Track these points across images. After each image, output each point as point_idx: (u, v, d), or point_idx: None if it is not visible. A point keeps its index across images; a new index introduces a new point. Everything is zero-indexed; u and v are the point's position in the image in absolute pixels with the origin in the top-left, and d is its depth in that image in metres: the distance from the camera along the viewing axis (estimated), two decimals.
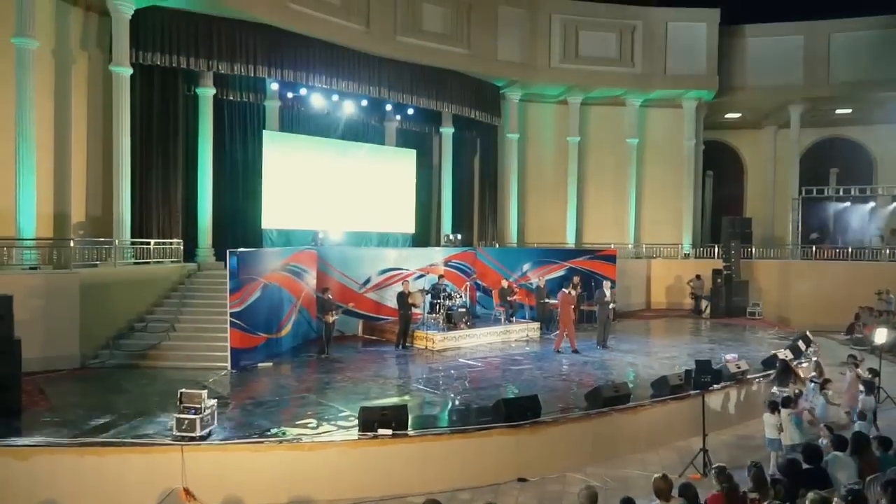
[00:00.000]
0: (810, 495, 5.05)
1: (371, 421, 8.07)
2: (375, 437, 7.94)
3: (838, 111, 25.21)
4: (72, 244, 12.65)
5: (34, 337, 10.97)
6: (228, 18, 15.71)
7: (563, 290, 14.92)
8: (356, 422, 8.28)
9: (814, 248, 22.59)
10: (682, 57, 22.74)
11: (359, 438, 7.94)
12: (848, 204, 24.45)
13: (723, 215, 23.97)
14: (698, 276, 21.81)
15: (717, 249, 23.12)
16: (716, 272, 21.39)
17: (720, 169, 28.51)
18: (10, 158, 12.80)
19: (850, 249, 22.03)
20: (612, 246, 21.41)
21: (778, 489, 5.83)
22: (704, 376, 8.78)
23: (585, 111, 24.06)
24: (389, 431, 8.00)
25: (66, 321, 11.87)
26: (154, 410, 9.02)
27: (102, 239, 13.76)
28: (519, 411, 8.72)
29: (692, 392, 10.04)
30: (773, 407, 8.75)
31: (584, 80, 22.52)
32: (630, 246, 23.70)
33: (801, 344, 14.12)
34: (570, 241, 23.35)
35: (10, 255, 12.05)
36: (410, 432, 8.15)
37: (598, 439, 9.22)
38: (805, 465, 6.22)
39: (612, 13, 22.54)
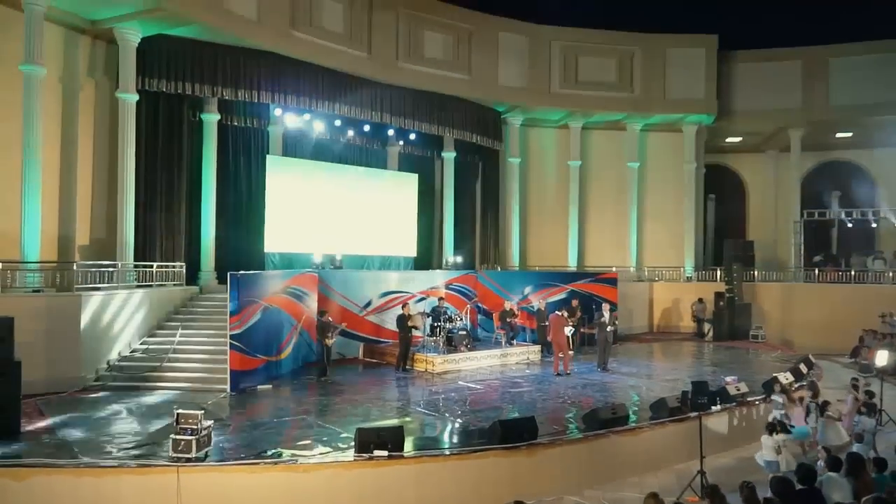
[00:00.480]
0: None
1: (367, 442, 8.08)
2: (371, 458, 7.94)
3: (839, 135, 25.32)
4: (75, 267, 12.78)
5: (36, 359, 11.06)
6: (232, 46, 16.01)
7: (556, 312, 14.88)
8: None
9: (816, 271, 22.57)
10: (681, 82, 23.01)
11: (354, 460, 7.95)
12: (850, 227, 24.55)
13: (725, 238, 24.08)
14: (700, 300, 21.81)
15: (719, 272, 23.17)
16: (718, 295, 21.37)
17: (722, 192, 28.58)
18: (17, 182, 12.99)
19: (853, 272, 22.01)
20: (614, 269, 21.45)
21: None
22: (701, 397, 8.78)
23: (587, 136, 24.27)
24: (385, 453, 8.00)
25: (69, 343, 11.96)
26: (151, 430, 9.05)
27: (105, 262, 13.87)
28: (515, 433, 8.72)
29: (691, 415, 10.04)
30: (772, 429, 8.73)
31: (584, 105, 22.77)
32: (632, 269, 23.73)
33: (802, 367, 14.09)
34: (572, 264, 23.40)
35: (13, 278, 12.16)
36: (406, 454, 8.16)
37: (596, 461, 9.19)
38: (799, 486, 6.20)
39: (611, 40, 22.86)
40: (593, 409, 9.78)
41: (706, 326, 21.56)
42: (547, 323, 17.40)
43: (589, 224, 24.41)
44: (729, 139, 26.74)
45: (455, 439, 9.29)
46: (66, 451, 8.25)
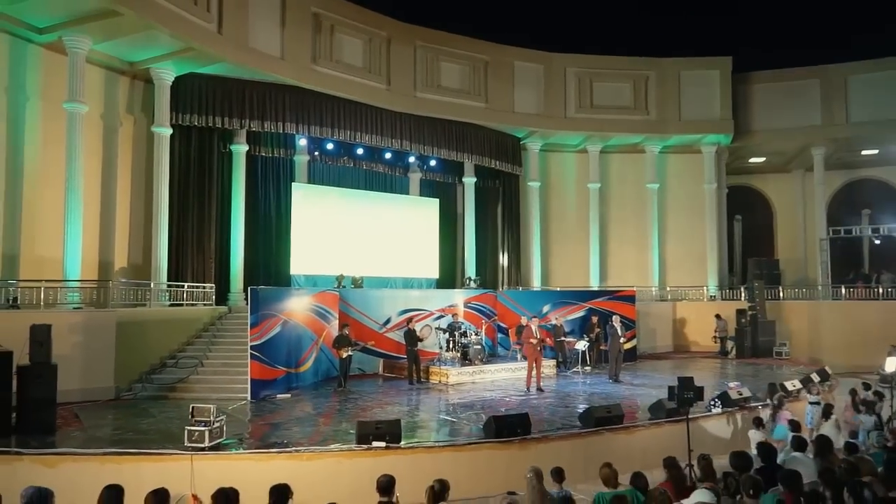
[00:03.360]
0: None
1: (366, 434, 8.66)
2: (369, 448, 8.50)
3: (864, 152, 25.28)
4: (110, 285, 13.78)
5: (73, 369, 11.96)
6: (259, 81, 17.13)
7: (529, 326, 14.59)
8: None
9: (843, 289, 22.40)
10: (697, 103, 23.41)
11: (354, 449, 8.51)
12: (878, 243, 24.32)
13: (755, 259, 24.08)
14: (718, 316, 21.80)
15: (743, 291, 23.18)
16: (739, 312, 21.37)
17: (749, 213, 28.60)
18: (61, 211, 14.13)
19: (881, 289, 21.78)
20: (634, 289, 21.65)
21: (729, 482, 6.16)
22: (687, 392, 9.08)
23: (605, 159, 24.74)
24: (383, 444, 8.56)
25: (103, 356, 12.87)
26: (173, 431, 9.78)
27: (140, 281, 14.87)
28: (509, 428, 9.17)
29: (690, 416, 10.30)
30: (759, 423, 8.99)
31: (601, 129, 23.30)
32: (654, 289, 23.88)
33: (814, 376, 14.14)
34: (594, 284, 23.67)
35: (56, 296, 13.19)
36: (403, 445, 8.68)
37: (590, 458, 9.48)
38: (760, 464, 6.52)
39: (625, 65, 23.46)
40: (588, 408, 10.16)
41: (729, 344, 21.52)
42: (564, 338, 17.87)
43: (610, 245, 24.72)
44: (752, 160, 26.87)
45: (453, 435, 9.74)
46: (93, 444, 9.03)
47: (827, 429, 9.09)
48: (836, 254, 24.54)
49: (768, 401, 10.57)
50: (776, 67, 24.10)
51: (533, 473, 6.00)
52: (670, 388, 10.08)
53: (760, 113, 24.18)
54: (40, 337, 9.95)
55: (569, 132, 23.42)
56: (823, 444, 6.91)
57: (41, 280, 13.07)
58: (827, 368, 15.63)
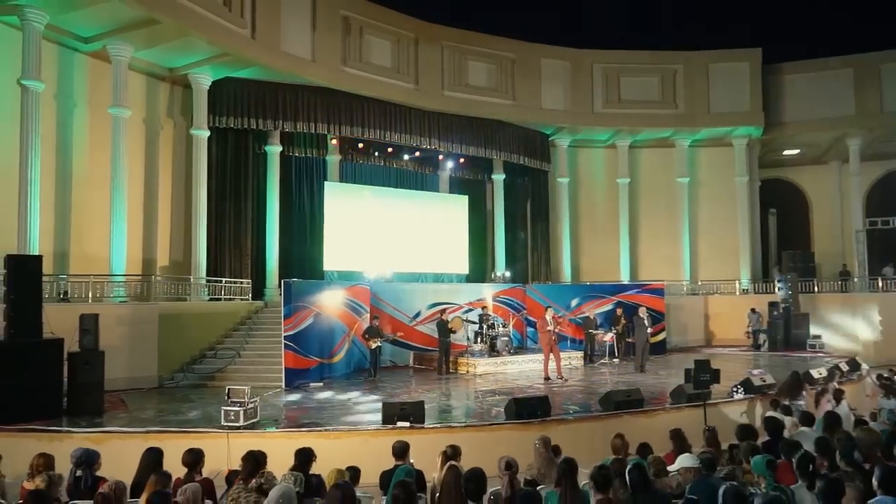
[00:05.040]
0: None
1: (391, 414, 9.08)
2: (394, 428, 8.91)
3: None
4: (153, 279, 14.52)
5: (119, 359, 12.66)
6: (292, 84, 17.75)
7: (544, 316, 14.86)
8: None
9: (879, 281, 22.08)
10: (726, 96, 23.30)
11: (379, 429, 8.93)
12: None
13: (787, 251, 23.85)
14: (753, 310, 21.66)
15: (776, 284, 22.96)
16: (771, 305, 21.22)
17: (784, 206, 28.26)
18: (106, 211, 14.92)
19: None
20: (665, 283, 21.67)
21: (735, 453, 6.40)
22: (703, 375, 9.27)
23: (635, 154, 24.79)
24: (407, 424, 8.96)
25: (147, 346, 13.60)
26: (211, 414, 10.36)
27: (180, 276, 15.60)
28: (529, 410, 9.48)
29: (713, 402, 10.48)
30: (776, 405, 9.12)
31: (629, 123, 23.36)
32: (686, 283, 23.83)
33: (843, 365, 14.09)
34: (624, 279, 23.74)
35: (103, 291, 13.96)
36: (426, 425, 9.07)
37: (609, 440, 9.73)
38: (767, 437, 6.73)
39: (653, 59, 23.47)
40: (608, 392, 10.39)
41: (762, 337, 21.38)
42: (593, 331, 18.05)
43: (641, 240, 24.74)
44: (787, 152, 26.56)
45: (475, 417, 10.10)
46: (138, 424, 9.65)
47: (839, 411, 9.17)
48: (874, 246, 24.15)
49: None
50: (807, 58, 23.80)
51: (541, 441, 6.35)
52: (687, 371, 10.25)
53: (792, 104, 23.92)
54: (88, 325, 10.64)
55: (597, 128, 23.57)
56: (831, 419, 7.07)
57: (89, 275, 13.85)
58: (858, 359, 15.50)
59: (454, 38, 20.99)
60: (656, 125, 23.49)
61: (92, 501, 4.80)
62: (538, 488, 5.51)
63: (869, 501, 4.22)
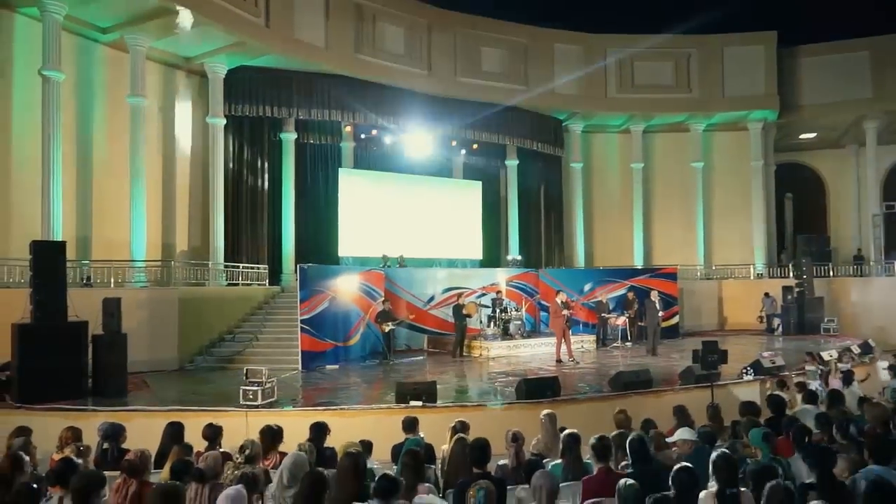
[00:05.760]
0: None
1: (404, 393, 9.34)
2: (407, 407, 9.15)
3: None
4: (173, 265, 14.87)
5: (140, 342, 12.98)
6: (306, 72, 17.94)
7: (556, 300, 15.07)
8: None
9: (895, 265, 21.98)
10: (740, 80, 23.14)
11: (392, 407, 9.19)
12: None
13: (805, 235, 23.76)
14: (767, 294, 21.65)
15: (791, 268, 22.92)
16: (786, 289, 21.20)
17: (801, 190, 28.08)
18: (126, 198, 15.24)
19: None
20: (679, 268, 21.70)
21: (737, 429, 6.55)
22: (711, 355, 9.41)
23: (649, 139, 24.73)
24: (420, 402, 9.21)
25: (167, 330, 13.95)
26: (231, 394, 10.68)
27: (199, 262, 15.95)
28: (539, 390, 9.69)
29: (722, 383, 10.62)
30: (782, 385, 9.25)
31: (643, 109, 23.31)
32: (700, 268, 23.83)
33: (854, 348, 14.14)
34: (638, 263, 23.78)
35: (124, 276, 14.32)
36: (438, 404, 9.31)
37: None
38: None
39: (667, 44, 23.35)
40: (618, 373, 10.57)
41: (776, 321, 21.38)
42: (605, 315, 18.20)
43: (655, 225, 24.75)
44: (803, 136, 26.36)
45: (487, 397, 10.33)
46: (160, 403, 9.99)
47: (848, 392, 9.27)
48: (891, 230, 23.99)
49: (809, 368, 10.75)
50: (823, 40, 23.54)
51: (547, 417, 6.53)
52: (695, 352, 10.38)
53: (808, 87, 23.72)
54: (111, 309, 10.97)
55: (611, 113, 23.56)
56: (834, 397, 7.21)
57: (111, 260, 14.22)
58: (870, 341, 15.52)
59: (467, 24, 21.05)
60: (670, 110, 23.42)
61: (119, 471, 5.07)
62: (544, 461, 5.71)
63: (860, 470, 4.37)
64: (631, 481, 3.79)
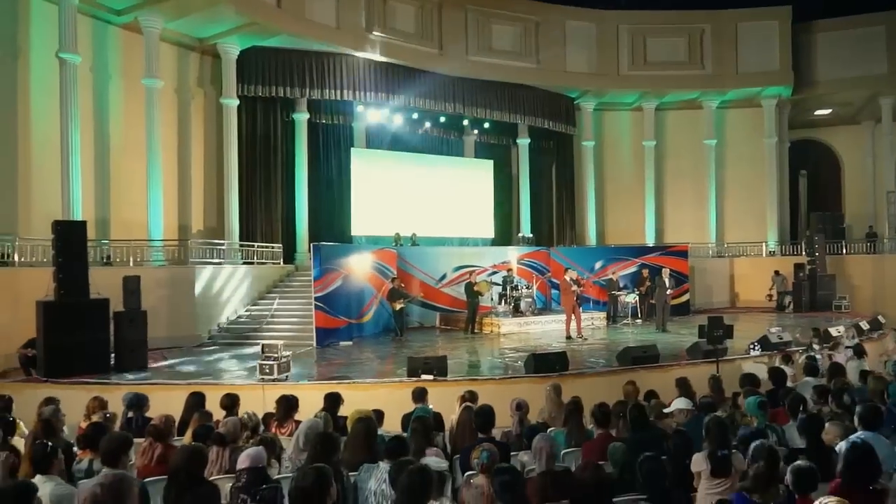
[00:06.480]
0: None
1: (416, 367, 9.60)
2: (418, 380, 9.40)
3: None
4: (190, 244, 15.20)
5: (160, 319, 13.33)
6: (318, 51, 18.03)
7: (565, 277, 15.21)
8: None
9: None
10: (754, 55, 22.94)
11: (404, 381, 9.45)
12: None
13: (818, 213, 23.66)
14: (777, 272, 21.67)
15: (803, 246, 22.87)
16: (797, 266, 21.21)
17: (816, 167, 27.89)
18: (143, 179, 15.53)
19: None
20: (691, 245, 21.75)
21: (738, 400, 6.74)
22: (716, 331, 9.56)
23: (662, 116, 24.63)
24: (431, 376, 9.46)
25: (186, 308, 14.32)
26: (247, 368, 11.00)
27: (215, 241, 16.27)
28: (548, 364, 9.90)
29: (728, 358, 10.79)
30: (787, 360, 9.40)
31: (655, 86, 23.21)
32: (711, 245, 23.84)
33: (863, 325, 14.21)
34: (649, 241, 23.82)
35: (142, 255, 14.66)
36: (448, 378, 9.56)
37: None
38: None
39: (680, 19, 23.18)
40: (626, 348, 10.75)
41: (786, 299, 21.42)
42: (616, 292, 18.34)
43: (667, 202, 24.74)
44: (818, 112, 26.13)
45: (496, 371, 10.58)
46: (180, 377, 10.33)
47: (854, 366, 9.41)
48: None
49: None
50: (839, 15, 23.23)
51: (552, 388, 6.74)
52: (701, 328, 10.53)
53: (823, 63, 23.47)
54: (131, 286, 11.30)
55: (623, 90, 23.47)
56: (835, 370, 7.36)
57: (130, 240, 14.55)
58: (880, 318, 15.57)
59: (478, 2, 20.99)
60: (683, 87, 23.29)
61: (144, 438, 5.36)
62: (548, 430, 5.93)
63: (850, 436, 4.55)
64: (619, 444, 4.00)
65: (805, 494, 3.38)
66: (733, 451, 4.09)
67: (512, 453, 4.98)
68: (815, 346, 11.36)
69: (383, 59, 18.93)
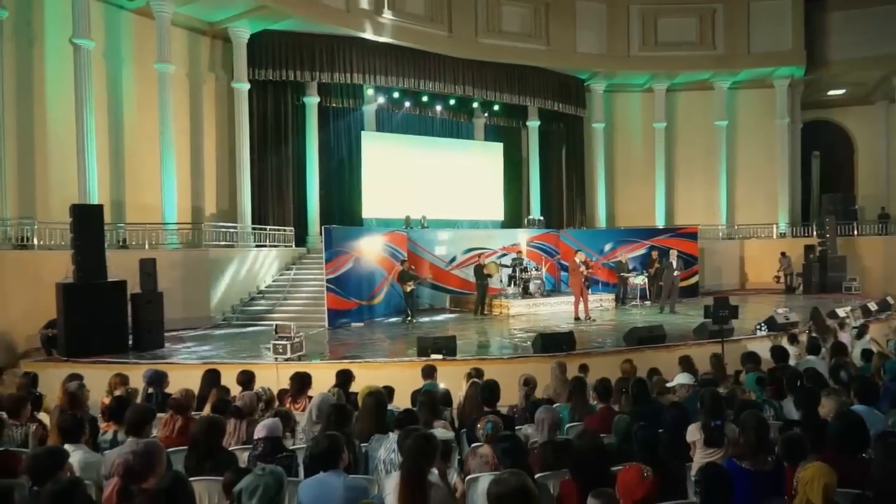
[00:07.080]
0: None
1: (425, 347, 9.81)
2: (428, 360, 9.61)
3: None
4: (203, 227, 15.44)
5: (175, 301, 13.56)
6: (328, 35, 18.08)
7: (574, 259, 15.34)
8: None
9: None
10: (767, 35, 22.73)
11: (413, 360, 9.67)
12: None
13: (829, 194, 23.56)
14: (783, 254, 21.66)
15: (814, 228, 22.82)
16: (808, 248, 21.19)
17: (828, 148, 27.67)
18: (157, 163, 15.75)
19: None
20: (701, 227, 21.76)
21: (740, 378, 6.89)
22: (722, 311, 9.68)
23: (673, 97, 24.52)
24: (440, 356, 9.67)
25: (201, 289, 14.58)
26: (262, 349, 11.28)
27: (228, 224, 16.51)
28: (555, 344, 10.08)
29: (735, 338, 10.93)
30: (793, 339, 9.53)
31: (666, 66, 23.09)
32: (721, 227, 23.83)
33: (871, 305, 14.27)
34: (660, 223, 23.83)
35: (157, 238, 14.93)
36: (457, 357, 9.77)
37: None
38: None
39: None
40: (632, 328, 10.91)
41: (796, 280, 21.43)
42: (625, 274, 18.44)
43: (678, 184, 24.70)
44: (832, 92, 25.90)
45: (504, 351, 10.77)
46: (196, 357, 10.60)
47: (859, 345, 9.52)
48: None
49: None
50: None
51: (557, 365, 6.92)
52: (706, 308, 10.66)
53: (837, 42, 23.23)
54: (148, 269, 11.57)
55: (633, 71, 23.37)
56: (835, 348, 7.49)
57: (145, 223, 14.81)
58: (889, 299, 15.60)
59: None
60: (695, 67, 23.16)
61: (165, 410, 5.60)
62: (553, 406, 6.12)
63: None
64: (624, 416, 4.17)
65: (794, 463, 3.54)
66: (727, 422, 4.25)
67: (517, 427, 5.17)
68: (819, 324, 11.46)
69: (393, 41, 18.97)
